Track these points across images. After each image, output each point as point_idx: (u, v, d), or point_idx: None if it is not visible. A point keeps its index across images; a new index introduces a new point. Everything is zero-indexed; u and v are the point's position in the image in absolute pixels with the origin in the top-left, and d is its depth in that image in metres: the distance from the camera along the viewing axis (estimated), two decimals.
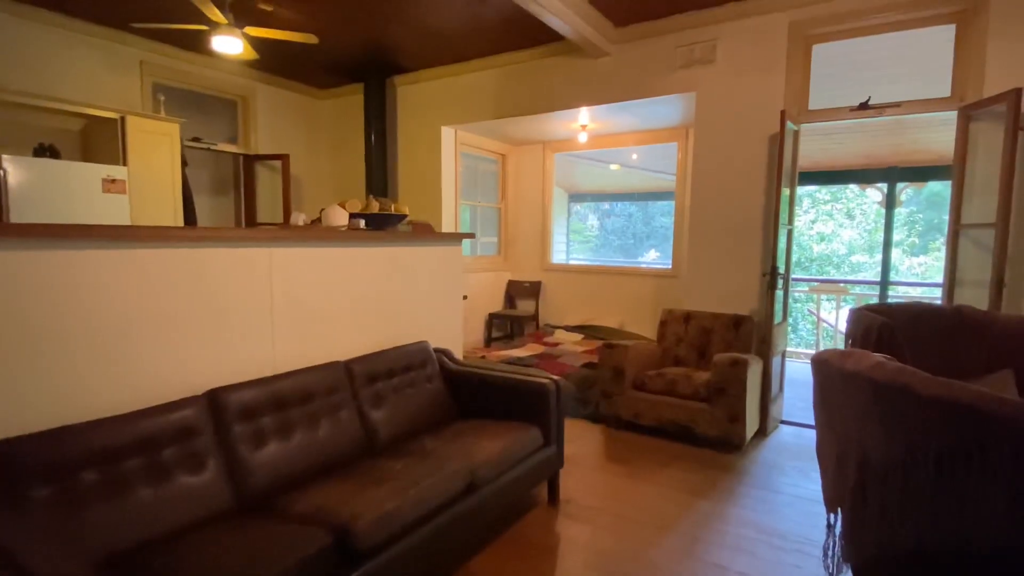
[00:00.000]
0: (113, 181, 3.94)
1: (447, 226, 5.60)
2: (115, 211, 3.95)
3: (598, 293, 6.17)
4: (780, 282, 3.79)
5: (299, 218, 2.56)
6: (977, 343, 2.52)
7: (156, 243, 1.88)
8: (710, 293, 4.25)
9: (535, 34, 4.46)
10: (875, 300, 6.55)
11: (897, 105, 3.63)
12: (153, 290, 1.89)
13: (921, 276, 9.37)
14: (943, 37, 3.57)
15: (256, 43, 4.20)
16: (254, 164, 5.70)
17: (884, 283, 6.11)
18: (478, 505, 2.13)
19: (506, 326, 6.45)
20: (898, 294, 6.60)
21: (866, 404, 1.15)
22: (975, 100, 3.29)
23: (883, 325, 2.26)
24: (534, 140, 6.32)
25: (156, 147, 4.43)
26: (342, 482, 1.98)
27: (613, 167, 7.45)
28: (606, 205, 12.53)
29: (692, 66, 4.25)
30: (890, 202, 6.04)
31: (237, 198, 5.85)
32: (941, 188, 8.82)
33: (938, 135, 5.43)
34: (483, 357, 4.75)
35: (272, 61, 5.34)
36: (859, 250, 10.29)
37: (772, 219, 3.98)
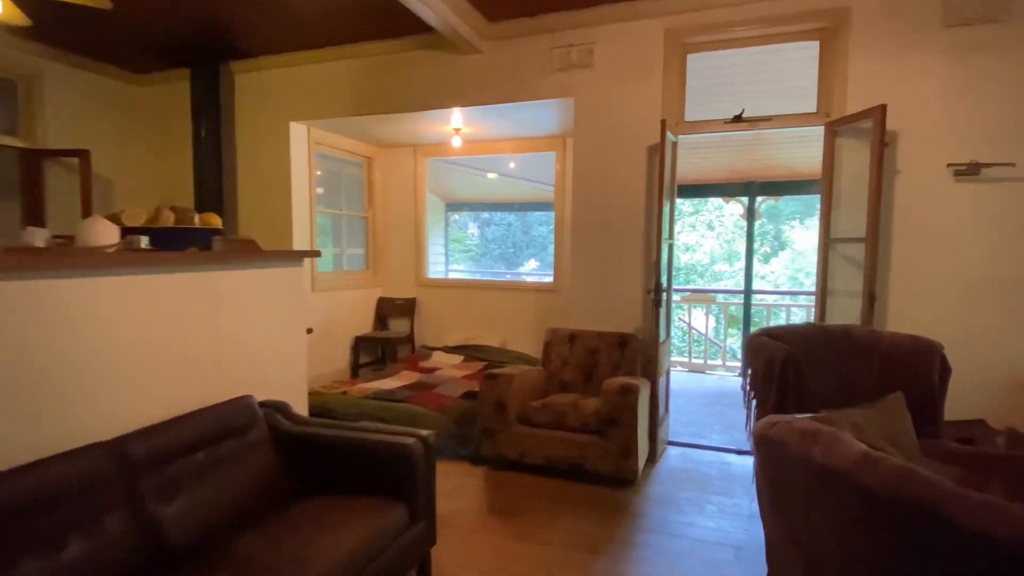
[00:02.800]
0: None
1: (300, 239, 4.83)
2: None
3: (479, 310, 5.74)
4: (664, 298, 3.62)
5: (35, 235, 1.77)
6: (867, 363, 2.42)
7: None
8: (594, 310, 3.99)
9: (400, 23, 3.92)
10: (740, 307, 6.82)
11: (768, 119, 3.62)
12: None
13: (775, 284, 10.23)
14: (809, 55, 3.63)
15: (35, 6, 3.19)
16: (42, 161, 4.50)
17: (748, 291, 6.37)
18: None
19: (377, 350, 5.78)
20: (761, 302, 6.94)
21: (852, 515, 0.80)
22: (840, 116, 3.34)
23: (788, 356, 2.04)
24: (403, 143, 5.75)
25: None
26: None
27: (490, 176, 7.12)
28: (486, 214, 12.23)
29: (569, 70, 3.98)
30: (750, 214, 6.32)
31: (25, 202, 4.60)
32: (778, 202, 9.62)
33: (792, 152, 5.75)
34: (345, 393, 4.07)
35: (67, 33, 4.24)
36: (719, 260, 11.01)
37: (655, 233, 3.81)
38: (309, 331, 2.61)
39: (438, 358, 5.24)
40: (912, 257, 3.27)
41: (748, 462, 3.58)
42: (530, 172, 6.79)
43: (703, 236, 11.11)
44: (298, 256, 2.45)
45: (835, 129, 3.39)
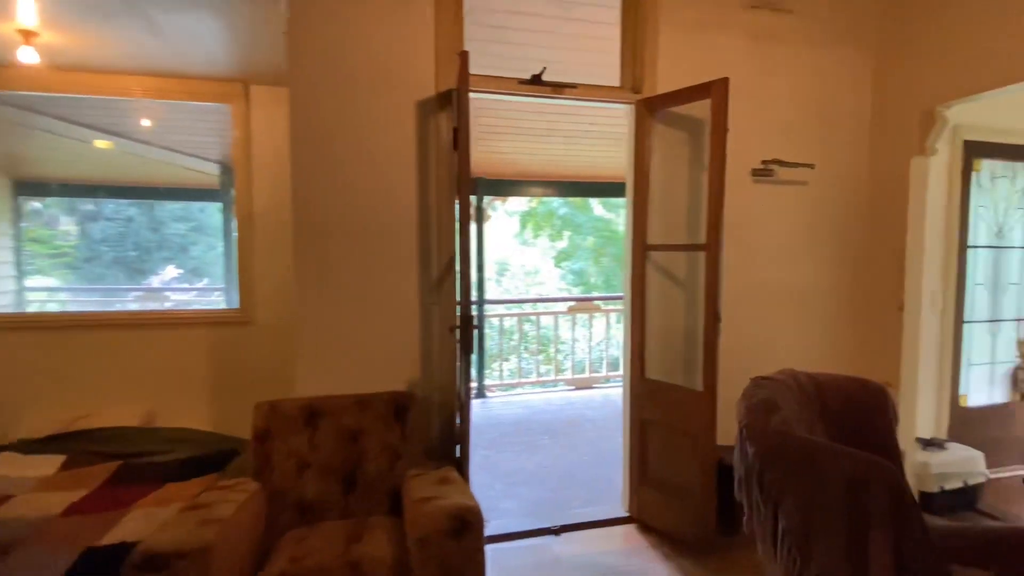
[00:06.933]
0: None
1: None
2: None
3: (94, 363, 3.31)
4: (476, 338, 2.38)
5: None
6: (823, 418, 1.71)
7: None
8: (343, 361, 2.45)
9: None
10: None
11: (573, 87, 2.73)
12: None
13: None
14: (607, 18, 2.90)
15: None
16: None
17: (481, 302, 5.62)
18: None
19: None
20: (492, 312, 6.30)
21: None
22: (666, 91, 2.68)
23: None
24: None
25: None
26: None
27: (100, 144, 4.48)
28: (90, 204, 8.50)
29: None
30: (479, 216, 5.56)
31: None
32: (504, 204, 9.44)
33: (518, 146, 5.18)
34: None
35: None
36: None
37: (436, 237, 2.53)
38: None
39: (8, 469, 2.70)
40: (728, 265, 2.86)
41: (574, 550, 2.64)
42: (176, 139, 4.50)
43: None
44: None
45: (652, 109, 2.73)
